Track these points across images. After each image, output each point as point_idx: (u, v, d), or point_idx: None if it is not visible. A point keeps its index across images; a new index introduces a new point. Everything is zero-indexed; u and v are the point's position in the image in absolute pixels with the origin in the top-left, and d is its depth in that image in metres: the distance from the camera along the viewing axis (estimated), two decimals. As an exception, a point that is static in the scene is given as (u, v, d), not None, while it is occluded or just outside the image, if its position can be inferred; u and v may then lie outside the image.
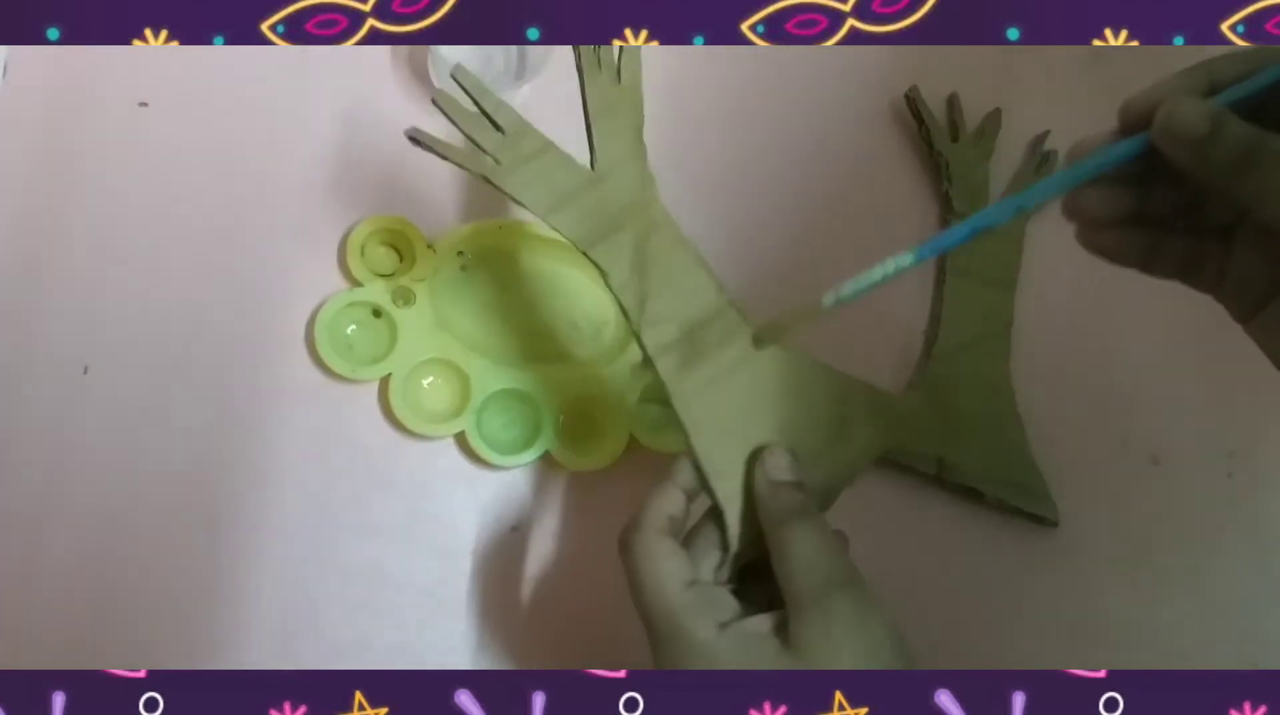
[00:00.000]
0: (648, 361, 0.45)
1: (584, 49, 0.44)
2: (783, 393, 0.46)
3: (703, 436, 0.45)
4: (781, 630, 0.40)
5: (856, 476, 0.47)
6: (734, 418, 0.45)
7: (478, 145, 0.44)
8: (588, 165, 0.46)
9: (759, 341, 0.45)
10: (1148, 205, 0.38)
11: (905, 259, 0.39)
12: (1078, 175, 0.36)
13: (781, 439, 0.45)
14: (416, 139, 0.44)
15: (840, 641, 0.39)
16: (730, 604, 0.42)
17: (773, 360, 0.46)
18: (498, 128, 0.45)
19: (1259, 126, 0.34)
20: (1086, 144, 0.36)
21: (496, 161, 0.45)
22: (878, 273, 0.39)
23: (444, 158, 0.44)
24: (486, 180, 0.44)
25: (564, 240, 0.55)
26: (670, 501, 0.44)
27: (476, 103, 0.44)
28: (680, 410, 0.45)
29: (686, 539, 0.44)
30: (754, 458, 0.44)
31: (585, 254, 0.45)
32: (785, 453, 0.45)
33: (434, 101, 0.44)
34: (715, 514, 0.44)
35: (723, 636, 0.40)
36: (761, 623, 0.41)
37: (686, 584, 0.41)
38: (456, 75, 0.44)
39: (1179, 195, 0.38)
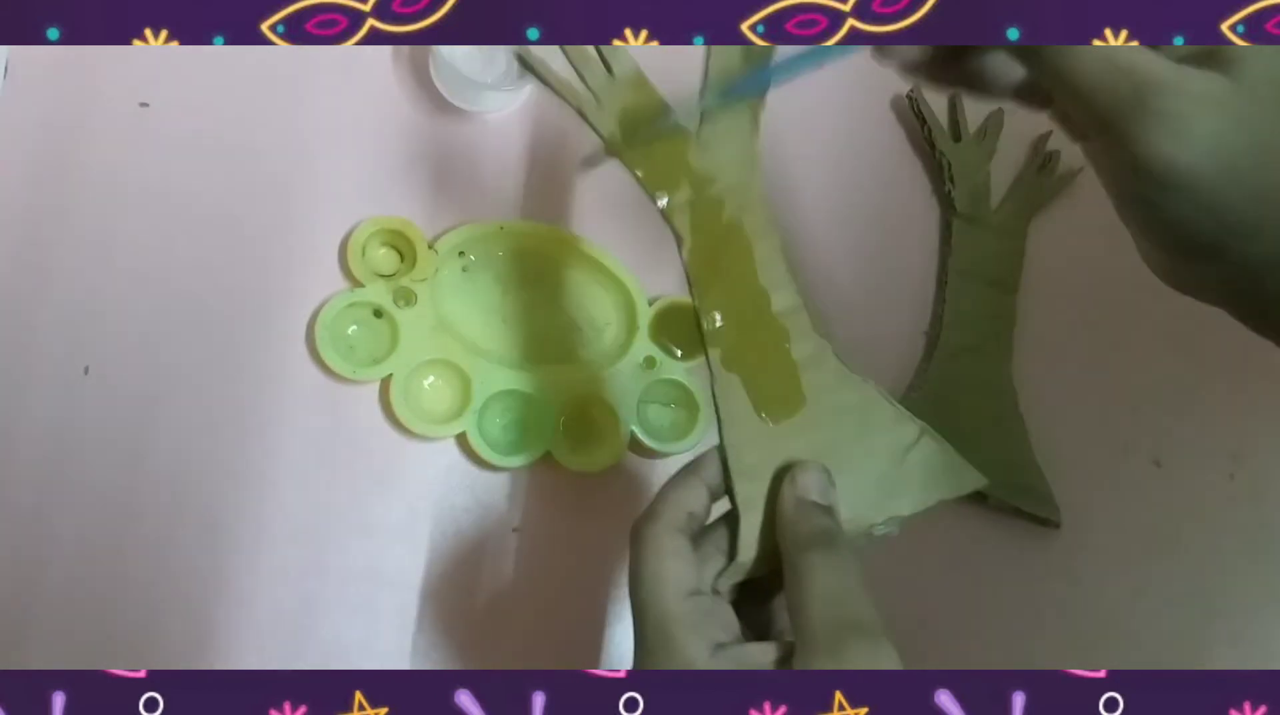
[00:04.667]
0: (700, 340, 0.42)
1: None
2: (840, 416, 0.42)
3: (736, 430, 0.41)
4: (784, 665, 0.37)
5: (887, 534, 0.43)
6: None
7: (581, 78, 0.42)
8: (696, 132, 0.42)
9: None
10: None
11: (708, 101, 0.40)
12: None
13: (823, 461, 0.41)
14: (522, 59, 0.42)
15: None
16: (730, 623, 0.39)
17: (840, 381, 0.43)
18: (608, 69, 0.42)
19: None
20: None
21: (597, 100, 0.42)
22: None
23: (544, 82, 0.42)
24: (581, 115, 0.42)
25: (565, 240, 0.56)
26: (693, 496, 0.41)
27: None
28: (719, 398, 0.42)
29: (696, 538, 0.41)
30: (786, 470, 0.41)
31: (663, 215, 0.42)
32: (821, 471, 0.41)
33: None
34: (731, 518, 0.41)
35: (716, 660, 0.37)
36: (763, 652, 0.37)
37: (688, 592, 0.38)
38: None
39: None
